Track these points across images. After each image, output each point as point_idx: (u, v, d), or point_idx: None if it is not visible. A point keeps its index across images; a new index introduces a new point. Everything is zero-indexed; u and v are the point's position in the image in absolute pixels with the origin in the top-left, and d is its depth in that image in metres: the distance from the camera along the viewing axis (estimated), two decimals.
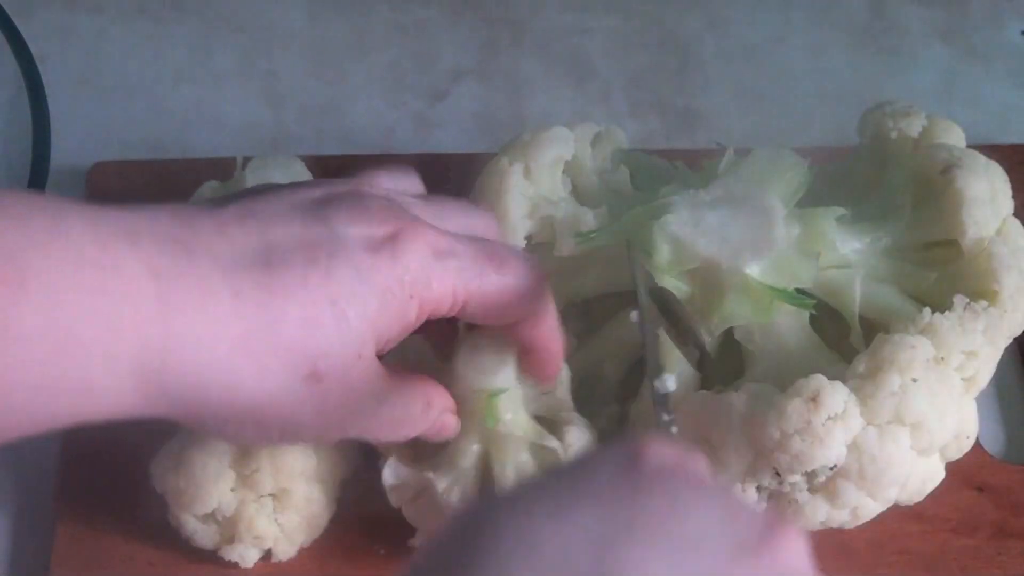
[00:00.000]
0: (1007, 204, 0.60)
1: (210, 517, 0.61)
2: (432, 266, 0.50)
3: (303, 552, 0.63)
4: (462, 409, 0.58)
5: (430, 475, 0.60)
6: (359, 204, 0.50)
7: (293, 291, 0.46)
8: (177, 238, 0.45)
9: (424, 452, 0.61)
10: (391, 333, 0.50)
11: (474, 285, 0.51)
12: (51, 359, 0.41)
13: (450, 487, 0.59)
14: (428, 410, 0.55)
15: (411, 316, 0.50)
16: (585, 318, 0.68)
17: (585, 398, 0.66)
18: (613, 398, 0.66)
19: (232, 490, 0.61)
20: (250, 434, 0.48)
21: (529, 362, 0.57)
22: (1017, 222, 0.60)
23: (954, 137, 0.63)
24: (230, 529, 0.61)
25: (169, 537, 0.63)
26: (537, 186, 0.63)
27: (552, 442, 0.59)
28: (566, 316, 0.67)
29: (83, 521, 0.64)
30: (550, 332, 0.56)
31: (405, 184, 0.55)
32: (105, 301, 0.42)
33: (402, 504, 0.61)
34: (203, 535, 0.61)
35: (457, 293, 0.51)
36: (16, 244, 0.41)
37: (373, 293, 0.48)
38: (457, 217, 0.54)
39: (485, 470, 0.60)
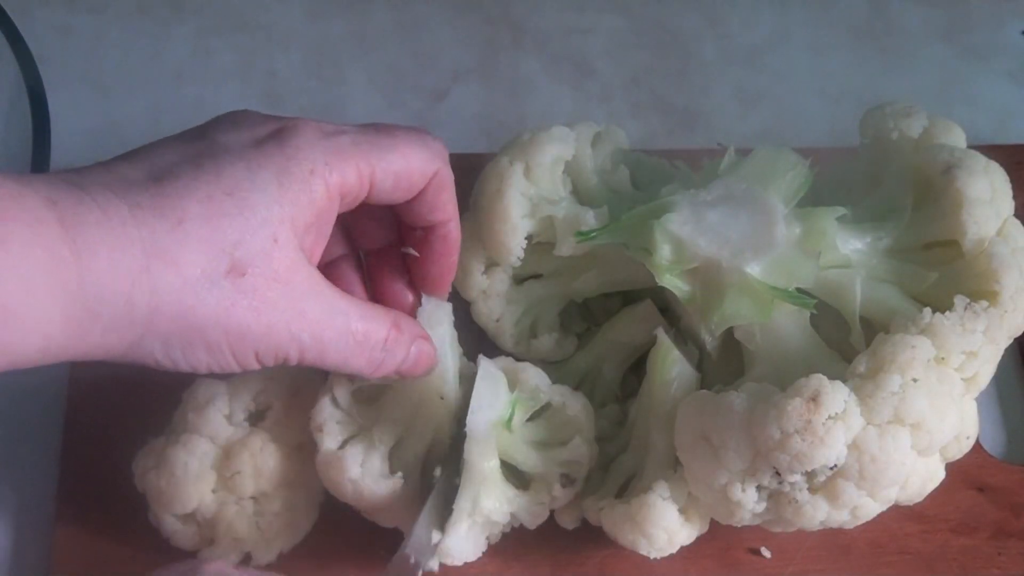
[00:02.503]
0: (1007, 204, 0.60)
1: (190, 518, 0.61)
2: (323, 143, 0.51)
3: (283, 557, 0.63)
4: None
5: (373, 429, 0.60)
6: (237, 117, 0.51)
7: (188, 192, 0.47)
8: (67, 178, 0.46)
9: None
10: (304, 216, 0.49)
11: (375, 156, 0.52)
12: None
13: (383, 447, 0.59)
14: (398, 335, 0.54)
15: (319, 194, 0.50)
16: (585, 318, 0.68)
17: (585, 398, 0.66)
18: (613, 398, 0.66)
19: (213, 491, 0.60)
20: (201, 355, 0.48)
21: (430, 253, 0.57)
22: (1017, 222, 0.60)
23: (954, 137, 0.63)
24: (210, 531, 0.61)
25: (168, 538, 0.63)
26: (537, 186, 0.63)
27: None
28: (566, 316, 0.67)
29: (83, 523, 0.64)
30: (453, 205, 0.57)
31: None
32: (10, 226, 0.42)
33: (325, 451, 0.60)
34: (183, 536, 0.61)
35: (361, 168, 0.51)
36: None
37: (268, 176, 0.48)
38: (399, 144, 0.53)
39: (431, 457, 0.60)
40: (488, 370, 0.60)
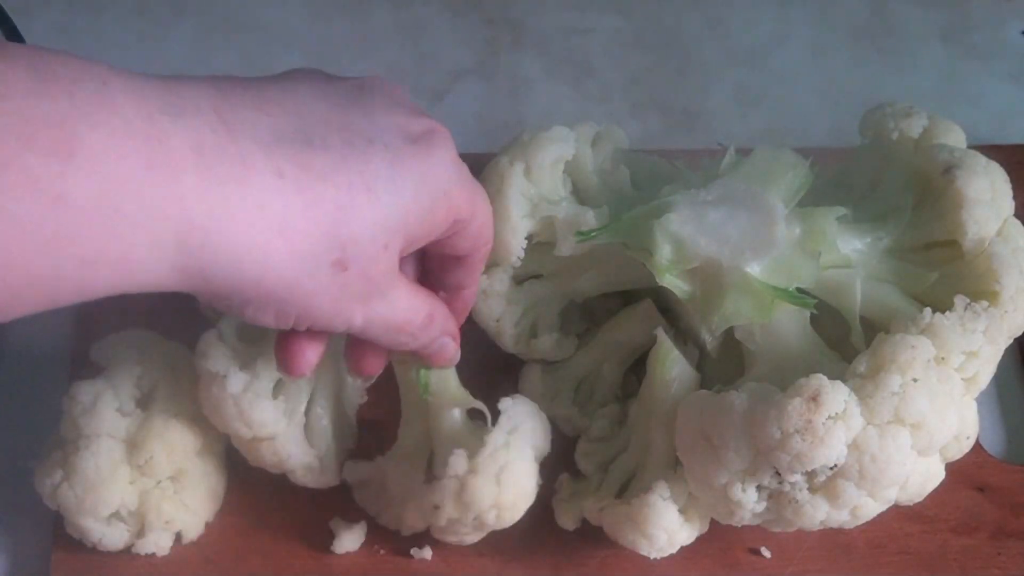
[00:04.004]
0: (1007, 204, 0.60)
1: (115, 517, 0.61)
2: (460, 167, 0.52)
3: (211, 527, 0.64)
4: (405, 399, 0.62)
5: (382, 460, 0.63)
6: (395, 95, 0.52)
7: (332, 173, 0.46)
8: (220, 112, 0.45)
9: None
10: (419, 230, 0.50)
11: (481, 200, 0.54)
12: (98, 232, 0.41)
13: (400, 467, 0.62)
14: (429, 325, 0.55)
15: (439, 215, 0.51)
16: (585, 318, 0.68)
17: (585, 398, 0.66)
18: (613, 398, 0.66)
19: (131, 483, 0.61)
20: (269, 317, 0.48)
21: (454, 304, 0.59)
22: (1017, 222, 0.60)
23: (954, 137, 0.63)
24: (138, 522, 0.61)
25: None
26: (537, 186, 0.63)
27: (478, 403, 0.61)
28: (566, 316, 0.67)
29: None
30: (479, 274, 0.59)
31: None
32: (150, 176, 0.42)
33: (362, 495, 0.64)
34: (111, 537, 0.61)
35: (472, 202, 0.53)
36: (64, 112, 0.40)
37: (409, 180, 0.49)
38: None
39: (429, 450, 0.62)
40: None
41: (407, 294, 0.53)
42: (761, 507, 0.56)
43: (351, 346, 0.58)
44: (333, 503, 0.65)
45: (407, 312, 0.53)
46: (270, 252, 0.45)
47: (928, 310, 0.57)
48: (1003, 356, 0.59)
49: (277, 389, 0.62)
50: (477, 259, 0.57)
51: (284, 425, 0.61)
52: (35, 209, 0.39)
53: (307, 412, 0.63)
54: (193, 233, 0.43)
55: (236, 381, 0.60)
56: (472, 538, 0.61)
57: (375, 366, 0.59)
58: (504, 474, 0.59)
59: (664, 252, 0.59)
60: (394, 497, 0.63)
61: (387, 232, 0.48)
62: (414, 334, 0.55)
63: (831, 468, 0.53)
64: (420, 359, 0.59)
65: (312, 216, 0.46)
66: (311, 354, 0.54)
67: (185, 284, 0.45)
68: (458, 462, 0.59)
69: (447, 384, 0.61)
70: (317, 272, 0.47)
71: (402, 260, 0.53)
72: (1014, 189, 0.61)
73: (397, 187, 0.48)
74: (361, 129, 0.48)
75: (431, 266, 0.58)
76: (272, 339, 0.62)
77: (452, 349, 0.58)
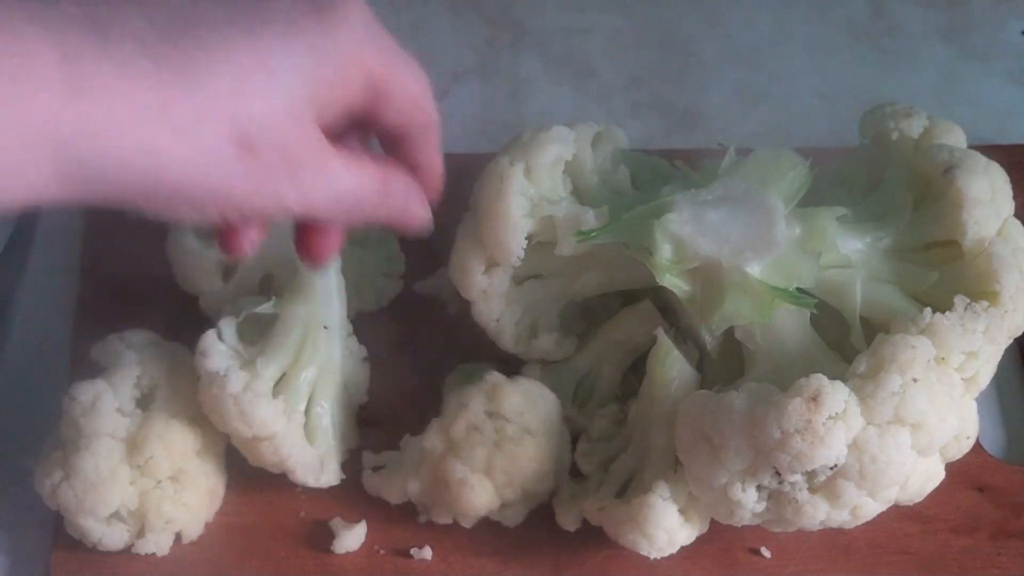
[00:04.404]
0: (1007, 204, 0.60)
1: (115, 517, 0.61)
2: (372, 31, 0.49)
3: (210, 527, 0.64)
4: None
5: (408, 439, 0.64)
6: None
7: (219, 52, 0.44)
8: (93, 14, 0.43)
9: None
10: (333, 100, 0.47)
11: (405, 68, 0.51)
12: None
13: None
14: (386, 194, 0.51)
15: (352, 79, 0.48)
16: (585, 318, 0.68)
17: (585, 398, 0.66)
18: (613, 398, 0.66)
19: (131, 483, 0.61)
20: (183, 211, 0.45)
21: (419, 182, 0.54)
22: (1017, 222, 0.60)
23: (955, 138, 0.63)
24: (138, 522, 0.61)
25: None
26: (537, 186, 0.63)
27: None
28: (566, 316, 0.67)
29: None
30: (438, 144, 0.55)
31: None
32: (16, 91, 0.40)
33: (373, 480, 0.64)
34: (111, 537, 0.61)
35: (390, 67, 0.50)
36: None
37: (307, 51, 0.46)
38: None
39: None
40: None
41: (347, 165, 0.49)
42: (761, 507, 0.56)
43: (298, 233, 0.55)
44: (333, 503, 0.65)
45: (355, 184, 0.50)
46: (162, 150, 0.43)
47: (928, 310, 0.57)
48: (1003, 356, 0.59)
49: (277, 389, 0.62)
50: (423, 134, 0.53)
51: (284, 424, 0.61)
52: None
53: (307, 412, 0.63)
54: (71, 143, 0.41)
55: (236, 381, 0.60)
56: (479, 483, 0.61)
57: (325, 251, 0.55)
58: (530, 394, 0.62)
59: (664, 252, 0.59)
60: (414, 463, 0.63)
61: (292, 106, 0.46)
62: (372, 206, 0.51)
63: (831, 468, 0.53)
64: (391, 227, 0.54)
65: (202, 106, 0.43)
66: (251, 235, 0.52)
67: (77, 194, 0.43)
68: (495, 376, 0.62)
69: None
70: (221, 161, 0.44)
71: (344, 136, 0.50)
72: (1014, 189, 0.61)
73: (296, 59, 0.45)
74: (255, 10, 0.46)
75: (384, 145, 0.55)
76: (272, 337, 0.62)
77: (422, 213, 0.53)
